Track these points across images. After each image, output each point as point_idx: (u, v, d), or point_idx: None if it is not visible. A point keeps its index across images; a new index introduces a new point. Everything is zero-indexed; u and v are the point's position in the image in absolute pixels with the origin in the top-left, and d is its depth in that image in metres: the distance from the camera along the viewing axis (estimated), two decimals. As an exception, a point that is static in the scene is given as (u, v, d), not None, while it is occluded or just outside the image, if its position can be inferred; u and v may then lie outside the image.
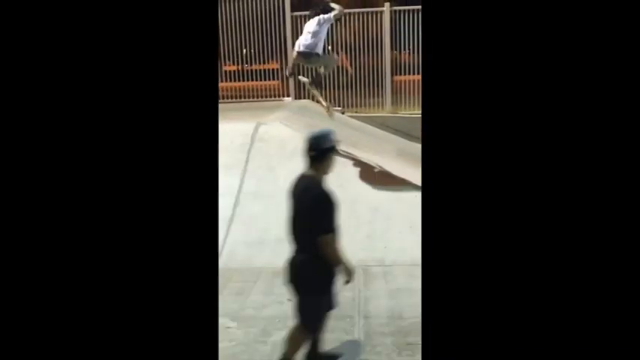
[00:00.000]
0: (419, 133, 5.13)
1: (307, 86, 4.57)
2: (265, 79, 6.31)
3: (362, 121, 5.97)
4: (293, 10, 5.86)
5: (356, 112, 6.21)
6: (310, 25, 4.01)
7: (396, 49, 6.09)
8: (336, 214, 1.88)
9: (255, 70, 6.42)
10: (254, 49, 6.17)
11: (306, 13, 4.86)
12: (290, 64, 4.51)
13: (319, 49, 4.00)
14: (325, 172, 1.90)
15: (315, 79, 4.45)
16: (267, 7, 5.92)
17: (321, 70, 4.37)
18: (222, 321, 2.48)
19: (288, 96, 6.10)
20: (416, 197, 3.57)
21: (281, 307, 2.79)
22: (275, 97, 6.15)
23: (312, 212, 1.82)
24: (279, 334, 2.44)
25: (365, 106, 6.21)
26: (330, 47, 5.41)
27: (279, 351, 2.19)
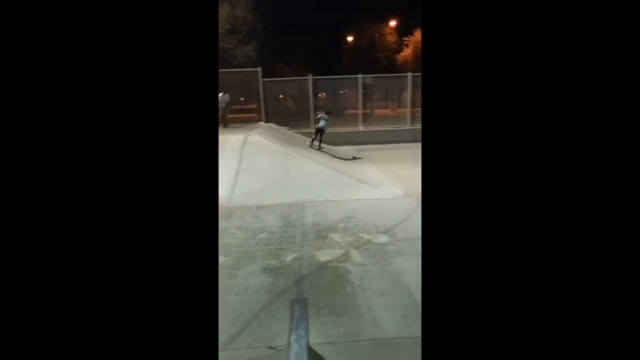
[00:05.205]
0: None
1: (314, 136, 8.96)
2: (250, 113, 11.32)
3: (296, 132, 10.56)
4: (263, 77, 10.87)
5: (295, 128, 10.92)
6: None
7: (315, 97, 11.26)
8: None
9: (245, 109, 11.58)
10: (245, 98, 11.15)
11: (273, 79, 9.87)
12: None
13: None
14: None
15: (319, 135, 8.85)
16: (249, 76, 10.93)
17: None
18: (231, 230, 4.57)
19: (261, 121, 10.91)
20: (327, 169, 6.92)
21: (261, 223, 4.87)
22: (255, 122, 10.86)
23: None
24: (261, 235, 4.42)
25: (299, 126, 11.08)
26: (281, 96, 10.57)
27: (262, 243, 4.11)
